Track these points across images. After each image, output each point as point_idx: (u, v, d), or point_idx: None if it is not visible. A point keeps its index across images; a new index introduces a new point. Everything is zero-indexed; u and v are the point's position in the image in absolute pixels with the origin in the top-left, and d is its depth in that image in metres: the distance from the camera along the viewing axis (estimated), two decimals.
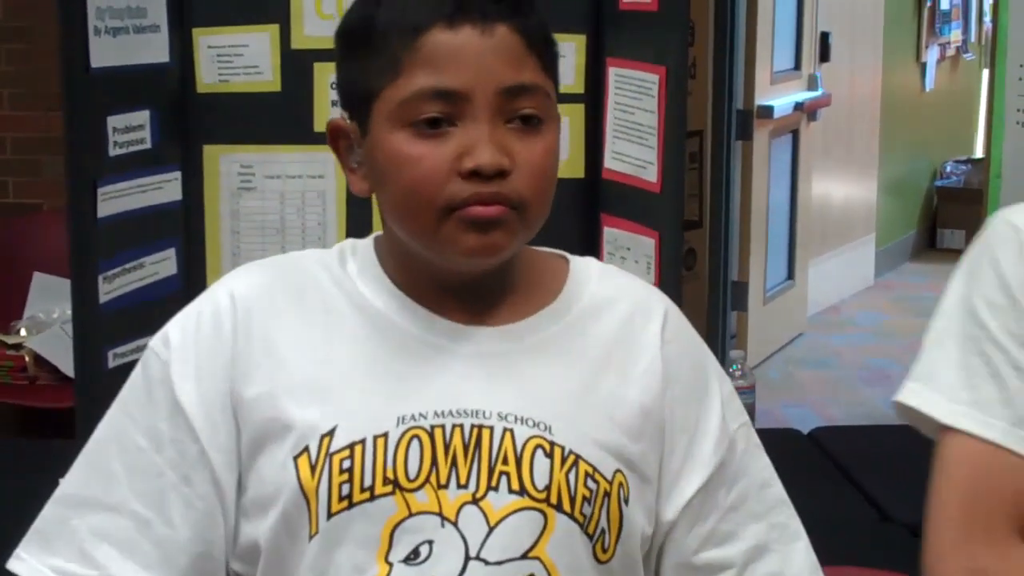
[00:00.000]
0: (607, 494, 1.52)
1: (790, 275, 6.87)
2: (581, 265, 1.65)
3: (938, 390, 1.62)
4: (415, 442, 1.49)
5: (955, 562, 1.58)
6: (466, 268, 1.52)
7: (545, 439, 1.50)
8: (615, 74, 2.94)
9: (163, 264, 2.94)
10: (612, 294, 1.62)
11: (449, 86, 1.46)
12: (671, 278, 2.87)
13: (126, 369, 2.74)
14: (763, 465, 1.65)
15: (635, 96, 2.89)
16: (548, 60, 1.52)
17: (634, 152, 2.91)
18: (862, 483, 4.00)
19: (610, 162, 2.99)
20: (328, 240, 2.97)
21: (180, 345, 1.55)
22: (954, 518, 1.59)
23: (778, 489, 1.65)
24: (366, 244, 1.61)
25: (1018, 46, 3.50)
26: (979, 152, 9.29)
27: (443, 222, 1.46)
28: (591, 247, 3.01)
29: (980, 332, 1.61)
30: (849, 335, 7.07)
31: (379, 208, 1.56)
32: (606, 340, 1.58)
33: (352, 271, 1.58)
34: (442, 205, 1.45)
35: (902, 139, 8.31)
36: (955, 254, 8.76)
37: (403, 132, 1.47)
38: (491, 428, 1.50)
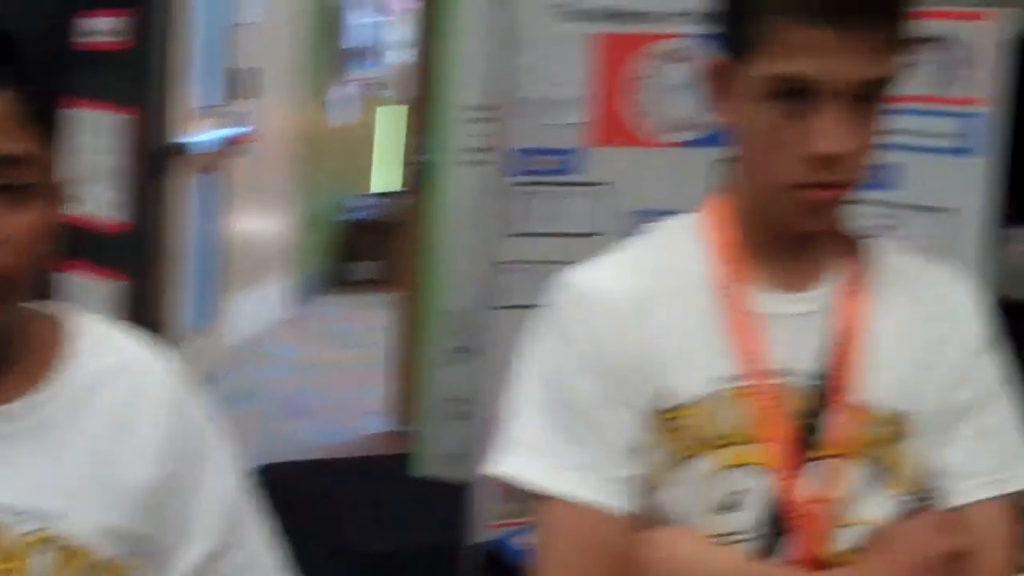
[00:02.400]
0: None
1: (210, 312, 6.84)
2: (74, 326, 1.54)
3: (529, 457, 1.65)
4: None
5: None
6: None
7: (47, 532, 1.41)
8: (78, 115, 2.88)
9: None
10: (112, 362, 1.53)
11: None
12: (137, 322, 2.82)
13: None
14: (261, 532, 1.60)
15: (99, 136, 2.83)
16: None
17: (97, 193, 2.85)
18: (316, 515, 4.06)
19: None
20: None
21: None
22: None
23: (274, 556, 1.61)
24: None
25: (465, 88, 3.58)
26: (376, 187, 9.43)
27: None
28: (46, 293, 2.92)
29: (560, 396, 1.64)
30: (268, 369, 7.11)
31: None
32: (109, 414, 1.50)
33: None
34: None
35: (315, 175, 8.46)
36: (366, 285, 8.83)
37: None
38: None
